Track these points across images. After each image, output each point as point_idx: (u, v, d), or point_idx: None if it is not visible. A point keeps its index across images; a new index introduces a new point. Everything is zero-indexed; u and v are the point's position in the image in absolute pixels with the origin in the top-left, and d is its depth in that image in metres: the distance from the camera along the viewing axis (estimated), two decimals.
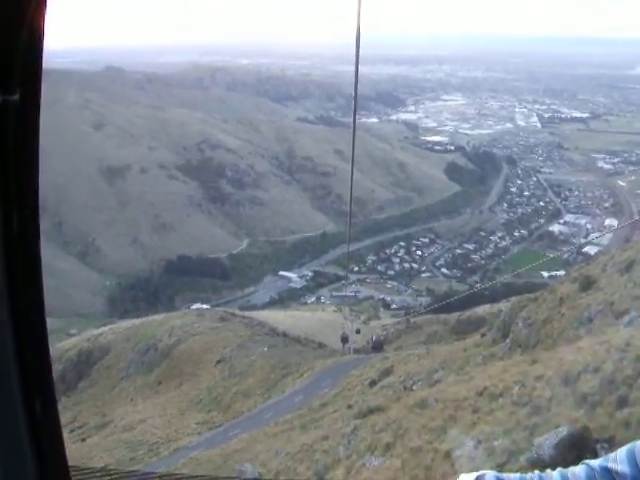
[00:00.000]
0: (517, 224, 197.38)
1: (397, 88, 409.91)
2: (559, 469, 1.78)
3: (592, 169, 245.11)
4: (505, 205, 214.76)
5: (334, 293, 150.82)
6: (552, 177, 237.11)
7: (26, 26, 1.34)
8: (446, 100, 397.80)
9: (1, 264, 1.49)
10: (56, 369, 64.03)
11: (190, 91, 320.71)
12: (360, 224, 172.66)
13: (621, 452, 1.72)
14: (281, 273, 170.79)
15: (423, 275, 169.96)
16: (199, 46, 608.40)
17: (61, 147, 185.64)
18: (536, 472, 1.81)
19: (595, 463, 1.74)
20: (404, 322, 72.03)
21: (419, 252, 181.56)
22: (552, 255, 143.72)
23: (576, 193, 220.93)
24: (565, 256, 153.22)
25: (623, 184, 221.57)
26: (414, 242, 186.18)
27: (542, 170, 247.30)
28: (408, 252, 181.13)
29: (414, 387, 24.51)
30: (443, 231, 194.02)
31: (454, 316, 64.42)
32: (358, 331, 57.96)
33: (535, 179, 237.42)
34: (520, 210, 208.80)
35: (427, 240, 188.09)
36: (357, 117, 7.47)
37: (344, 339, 52.20)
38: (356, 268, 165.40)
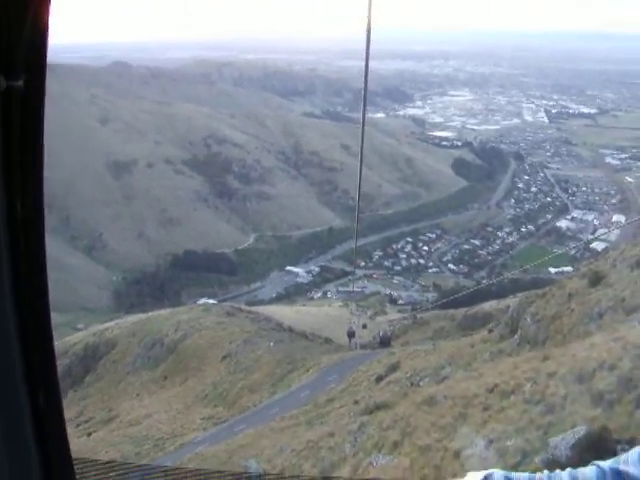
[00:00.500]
0: (524, 220, 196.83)
1: (404, 83, 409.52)
2: (569, 469, 1.78)
3: (600, 165, 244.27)
4: (512, 201, 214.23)
5: (341, 288, 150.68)
6: (559, 173, 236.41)
7: (31, 11, 1.31)
8: (453, 95, 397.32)
9: (5, 254, 1.48)
10: (63, 363, 64.09)
11: (196, 86, 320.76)
12: (367, 219, 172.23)
13: (632, 454, 1.68)
14: (288, 268, 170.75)
15: (430, 271, 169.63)
16: (205, 41, 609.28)
17: (68, 142, 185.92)
18: (545, 472, 1.82)
19: (605, 465, 1.72)
20: (411, 318, 71.94)
21: (426, 248, 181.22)
22: (559, 251, 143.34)
23: (583, 189, 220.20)
24: (572, 252, 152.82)
25: (631, 180, 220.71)
26: (421, 238, 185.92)
27: (549, 166, 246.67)
28: (415, 248, 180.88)
29: (421, 383, 24.29)
30: (450, 227, 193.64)
31: (461, 312, 64.26)
32: (365, 326, 57.79)
33: (542, 175, 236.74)
34: (527, 206, 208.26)
35: (434, 236, 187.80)
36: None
37: (350, 334, 51.99)
38: (363, 263, 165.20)
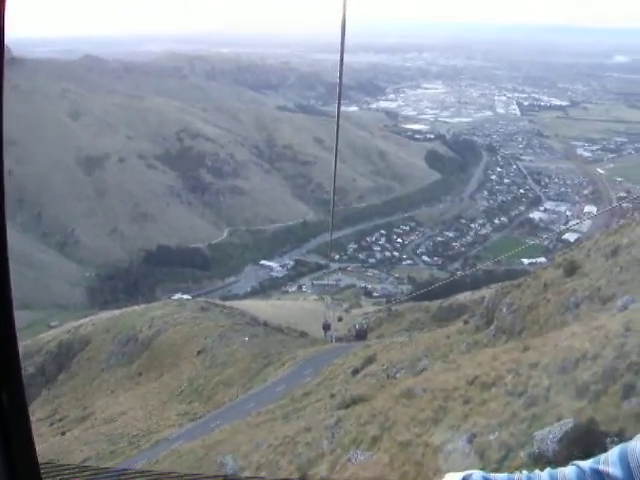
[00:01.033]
0: (497, 211, 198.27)
1: (377, 76, 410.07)
2: (548, 469, 1.76)
3: (571, 157, 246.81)
4: (485, 193, 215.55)
5: (315, 282, 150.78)
6: (532, 165, 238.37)
7: None
8: (426, 88, 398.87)
9: None
10: (36, 361, 63.42)
11: (168, 80, 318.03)
12: (341, 213, 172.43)
13: (612, 454, 1.67)
14: (262, 262, 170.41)
15: (404, 263, 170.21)
16: (178, 35, 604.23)
17: (39, 137, 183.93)
18: (524, 472, 1.79)
19: (585, 464, 1.71)
20: (386, 310, 72.07)
21: (400, 240, 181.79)
22: (532, 242, 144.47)
23: (556, 181, 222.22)
24: (545, 243, 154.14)
25: (602, 171, 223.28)
26: (395, 230, 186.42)
27: (522, 158, 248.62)
28: (389, 240, 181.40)
29: (397, 375, 24.17)
30: (424, 219, 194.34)
31: (435, 303, 64.56)
32: (340, 319, 57.69)
33: (515, 167, 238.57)
34: (500, 197, 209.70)
35: (408, 228, 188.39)
36: None
37: (326, 327, 51.85)
38: (337, 257, 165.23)
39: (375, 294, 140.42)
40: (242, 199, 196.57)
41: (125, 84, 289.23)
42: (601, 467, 1.67)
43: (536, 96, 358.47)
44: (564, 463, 1.68)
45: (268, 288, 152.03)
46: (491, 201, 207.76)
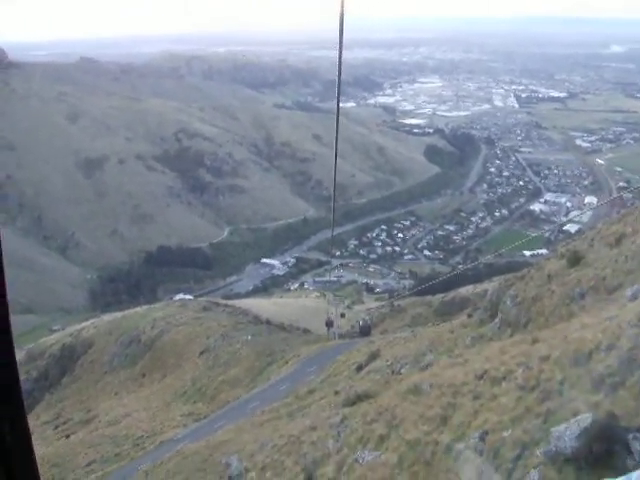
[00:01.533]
0: (497, 204, 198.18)
1: (374, 72, 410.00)
2: None
3: (570, 148, 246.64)
4: (485, 185, 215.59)
5: (317, 278, 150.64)
6: (531, 156, 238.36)
7: None
8: (423, 83, 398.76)
9: None
10: (39, 365, 63.40)
11: (165, 80, 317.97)
12: (341, 209, 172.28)
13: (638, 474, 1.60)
14: (263, 260, 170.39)
15: (405, 258, 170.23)
16: (174, 35, 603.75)
17: (37, 141, 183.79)
18: None
19: None
20: (388, 305, 71.82)
21: (401, 235, 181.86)
22: (534, 234, 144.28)
23: (555, 172, 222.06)
24: (546, 235, 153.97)
25: (601, 162, 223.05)
26: (395, 225, 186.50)
27: (521, 150, 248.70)
28: (390, 235, 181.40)
29: (402, 371, 23.92)
30: (424, 213, 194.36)
31: (438, 298, 64.26)
32: (343, 315, 57.44)
33: (514, 159, 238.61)
34: (500, 190, 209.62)
35: (408, 223, 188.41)
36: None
37: (329, 324, 51.64)
38: (338, 253, 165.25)
39: (377, 290, 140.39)
40: (242, 198, 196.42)
41: (122, 86, 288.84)
42: None
43: (534, 88, 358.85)
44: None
45: (270, 286, 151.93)
46: (491, 194, 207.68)
